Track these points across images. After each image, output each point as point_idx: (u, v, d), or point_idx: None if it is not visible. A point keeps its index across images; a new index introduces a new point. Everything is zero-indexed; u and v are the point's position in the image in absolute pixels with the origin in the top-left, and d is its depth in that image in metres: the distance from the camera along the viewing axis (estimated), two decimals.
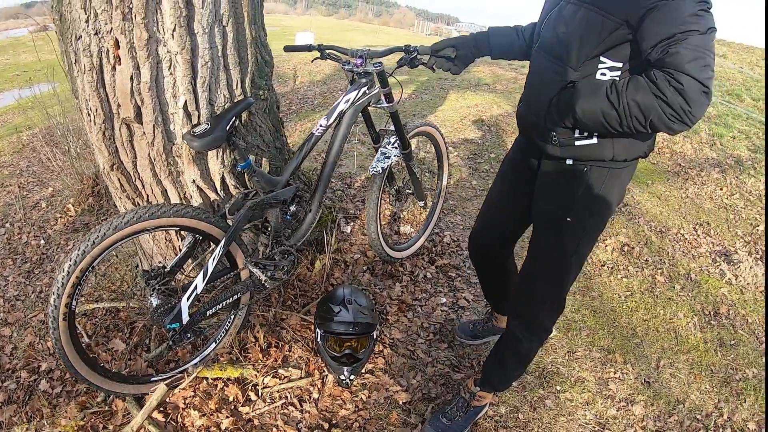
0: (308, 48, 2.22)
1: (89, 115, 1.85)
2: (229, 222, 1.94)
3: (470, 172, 4.56)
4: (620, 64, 1.40)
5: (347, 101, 2.10)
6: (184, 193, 2.07)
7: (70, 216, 3.57)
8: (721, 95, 8.10)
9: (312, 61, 2.31)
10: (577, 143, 1.53)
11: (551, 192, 1.69)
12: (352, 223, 3.18)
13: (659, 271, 3.45)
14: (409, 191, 2.84)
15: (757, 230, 4.44)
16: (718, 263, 3.70)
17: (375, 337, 2.17)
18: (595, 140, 1.51)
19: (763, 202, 5.00)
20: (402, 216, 3.35)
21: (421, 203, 2.96)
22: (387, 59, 2.19)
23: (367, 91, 2.17)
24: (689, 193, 4.96)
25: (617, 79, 1.40)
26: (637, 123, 1.32)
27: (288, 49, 2.30)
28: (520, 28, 1.89)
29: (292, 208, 2.15)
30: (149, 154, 1.91)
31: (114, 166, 1.97)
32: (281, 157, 2.37)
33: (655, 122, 1.30)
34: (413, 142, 2.87)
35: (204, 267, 1.86)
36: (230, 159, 1.99)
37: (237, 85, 1.89)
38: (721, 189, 5.13)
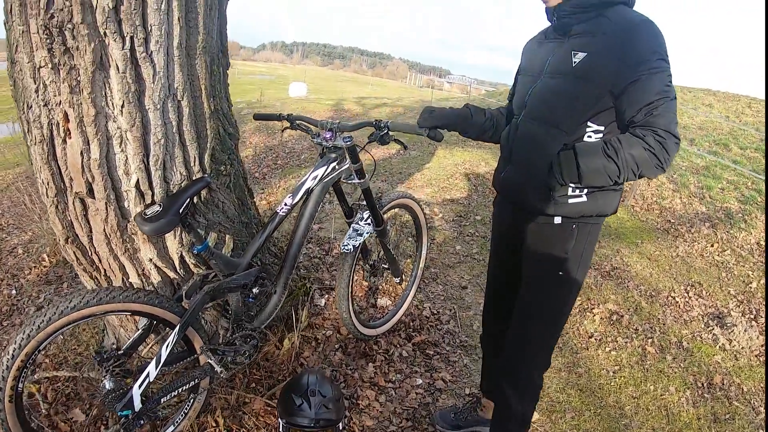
0: (278, 117, 2.14)
1: (42, 186, 1.75)
2: (186, 305, 1.80)
3: (455, 235, 4.45)
4: (602, 128, 1.59)
5: (315, 178, 1.99)
6: (143, 270, 1.94)
7: (45, 266, 3.42)
8: (709, 145, 8.17)
9: (282, 131, 2.22)
10: (570, 201, 1.66)
11: (542, 251, 1.78)
12: (327, 296, 3.03)
13: (650, 340, 3.32)
14: (385, 266, 2.71)
15: (750, 287, 4.36)
16: (711, 327, 3.59)
17: (341, 428, 2.00)
18: (585, 198, 1.66)
19: (755, 256, 4.96)
20: (379, 287, 3.21)
21: (397, 280, 2.82)
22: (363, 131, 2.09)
23: (337, 167, 2.07)
24: (680, 252, 4.91)
25: (601, 139, 1.60)
26: (631, 173, 1.50)
27: (257, 117, 2.21)
28: (487, 109, 2.02)
29: (255, 290, 2.01)
30: (104, 230, 1.78)
31: (69, 240, 1.85)
32: (248, 232, 2.24)
33: (645, 171, 1.50)
34: (393, 212, 2.76)
35: (157, 353, 1.72)
36: (189, 238, 1.87)
37: (195, 161, 1.78)
38: (712, 245, 5.08)
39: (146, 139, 1.64)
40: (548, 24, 1.75)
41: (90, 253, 1.90)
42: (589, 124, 1.60)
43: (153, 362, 1.72)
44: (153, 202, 1.75)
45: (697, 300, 3.99)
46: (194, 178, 1.82)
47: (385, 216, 2.48)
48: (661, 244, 5.02)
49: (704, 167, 7.15)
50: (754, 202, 6.10)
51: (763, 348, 3.42)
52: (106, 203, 1.70)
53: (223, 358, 1.93)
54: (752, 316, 3.83)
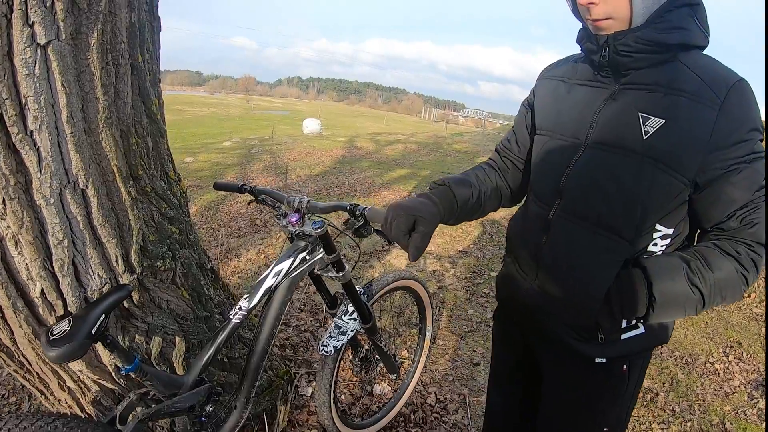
0: (239, 189, 1.74)
1: None
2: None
3: (467, 296, 4.02)
4: (671, 231, 1.16)
5: (278, 273, 1.56)
6: (78, 378, 1.58)
7: None
8: None
9: (248, 204, 1.82)
10: (623, 337, 1.22)
11: (577, 400, 1.35)
12: (314, 382, 2.58)
13: (689, 424, 2.84)
14: (378, 359, 2.26)
15: None
16: (755, 400, 3.11)
17: None
18: (642, 329, 1.23)
19: None
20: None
21: (393, 375, 2.35)
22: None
23: (307, 258, 1.63)
24: (715, 306, 4.41)
25: (673, 251, 1.18)
26: (715, 304, 1.11)
27: (218, 187, 1.81)
28: (473, 175, 1.48)
29: (209, 408, 1.58)
30: (25, 333, 1.39)
31: None
32: (208, 326, 1.84)
33: (729, 298, 1.11)
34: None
35: None
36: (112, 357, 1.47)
37: (118, 260, 1.38)
38: (749, 296, 4.54)
39: (46, 241, 1.24)
40: (578, 51, 1.27)
41: (17, 357, 1.53)
42: (657, 227, 1.15)
43: None
44: (66, 314, 1.36)
45: (738, 365, 3.51)
46: (120, 280, 1.41)
47: (380, 300, 2.05)
48: None
49: None
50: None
51: None
52: (14, 311, 1.32)
53: None
54: None
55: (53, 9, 1.09)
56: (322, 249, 1.63)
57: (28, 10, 1.06)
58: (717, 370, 3.42)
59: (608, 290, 1.15)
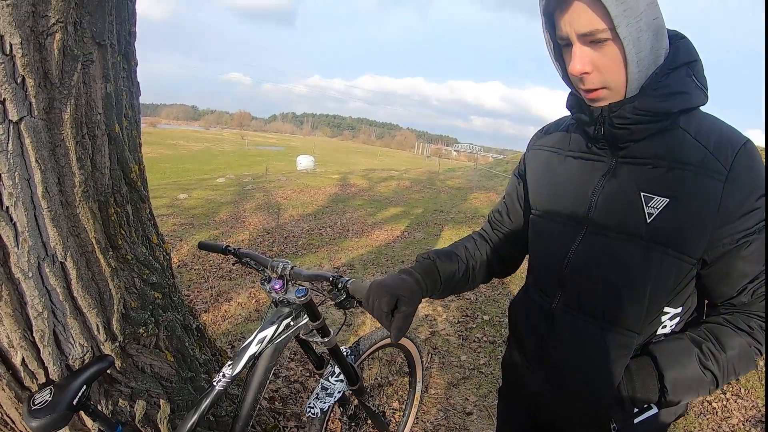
0: (224, 251, 1.71)
1: None
2: None
3: (459, 342, 3.96)
4: (680, 309, 1.09)
5: (262, 340, 1.52)
6: None
7: None
8: None
9: (233, 264, 1.79)
10: (637, 420, 1.13)
11: None
12: None
13: None
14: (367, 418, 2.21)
15: None
16: None
17: None
18: (655, 409, 1.13)
19: None
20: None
21: None
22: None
23: (292, 324, 1.59)
24: None
25: (675, 330, 1.12)
26: (729, 381, 1.10)
27: (202, 246, 1.78)
28: (461, 247, 1.41)
29: None
30: (9, 396, 1.36)
31: None
32: (194, 387, 1.79)
33: (741, 374, 1.04)
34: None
35: None
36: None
37: (99, 329, 1.35)
38: None
39: (25, 313, 1.21)
40: (568, 114, 1.16)
41: (1, 416, 1.47)
42: (665, 309, 1.08)
43: None
44: (48, 382, 1.32)
45: (735, 402, 3.39)
46: (102, 348, 1.38)
47: (369, 357, 2.00)
48: None
49: None
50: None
51: None
52: None
53: None
54: None
55: (24, 85, 1.09)
56: (306, 316, 1.61)
57: None
58: (714, 408, 3.33)
59: (619, 383, 1.09)
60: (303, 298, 1.50)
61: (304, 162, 24.37)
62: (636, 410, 1.12)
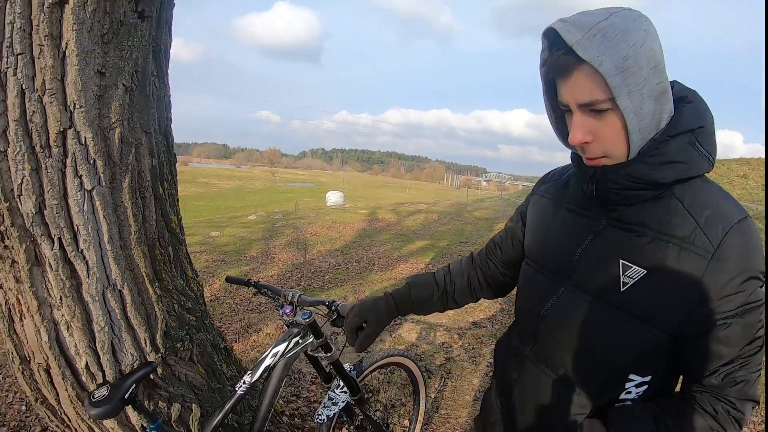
0: (246, 283, 2.07)
1: (7, 355, 1.77)
2: None
3: (473, 367, 4.19)
4: (648, 378, 1.06)
5: (275, 354, 1.88)
6: None
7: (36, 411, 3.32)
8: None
9: (254, 295, 2.15)
10: None
11: None
12: None
13: None
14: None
15: None
16: None
17: None
18: None
19: None
20: None
21: None
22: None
23: (300, 341, 1.95)
24: None
25: (640, 398, 1.09)
26: None
27: (229, 280, 2.15)
28: (443, 273, 1.53)
29: None
30: (68, 396, 1.74)
31: (38, 401, 1.83)
32: (221, 397, 2.14)
33: None
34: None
35: None
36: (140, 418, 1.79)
37: (146, 342, 1.73)
38: None
39: (91, 328, 1.61)
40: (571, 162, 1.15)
41: (59, 414, 1.86)
42: (631, 377, 1.06)
43: None
44: (105, 382, 1.69)
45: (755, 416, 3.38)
46: (147, 358, 1.75)
47: (371, 375, 2.32)
48: None
49: None
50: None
51: None
52: (62, 378, 1.67)
53: None
54: None
55: (95, 164, 1.50)
56: (311, 334, 1.95)
57: (77, 166, 1.47)
58: None
59: None
60: (308, 320, 1.86)
61: (334, 198, 24.60)
62: None
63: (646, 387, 1.07)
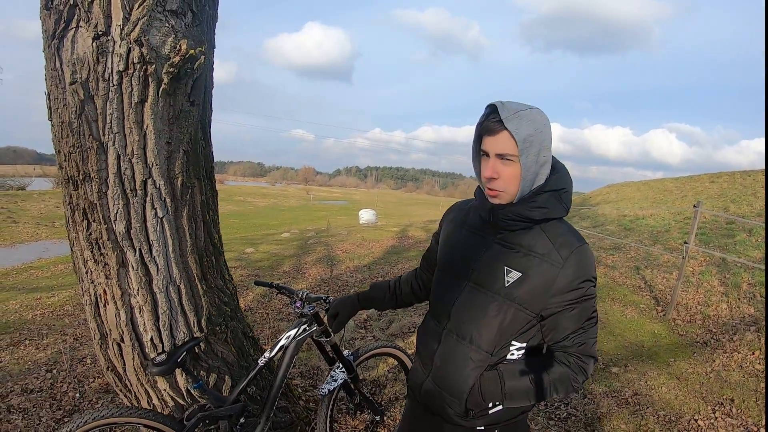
0: (270, 285, 2.73)
1: (91, 331, 2.45)
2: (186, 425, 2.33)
3: None
4: (524, 344, 1.56)
5: (288, 337, 2.53)
6: (161, 396, 2.51)
7: (106, 378, 3.88)
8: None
9: (277, 294, 2.82)
10: (491, 412, 1.62)
11: None
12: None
13: None
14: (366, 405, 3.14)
15: None
16: None
17: None
18: (500, 406, 1.61)
19: None
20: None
21: (378, 417, 3.24)
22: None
23: (307, 328, 2.59)
24: (715, 366, 4.58)
25: (521, 358, 1.58)
26: (552, 395, 1.51)
27: (257, 283, 2.82)
28: (395, 281, 2.11)
29: (242, 419, 2.51)
30: (133, 365, 2.40)
31: (108, 368, 2.50)
32: (247, 374, 2.78)
33: (563, 393, 1.52)
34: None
35: None
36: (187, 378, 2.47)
37: (194, 324, 2.41)
38: (753, 353, 4.68)
39: (156, 311, 2.30)
40: (477, 195, 1.64)
41: (124, 380, 2.51)
42: (513, 342, 1.55)
43: None
44: (163, 351, 2.36)
45: (724, 420, 3.73)
46: (194, 335, 2.43)
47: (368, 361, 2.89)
48: (697, 360, 4.74)
49: (761, 259, 6.82)
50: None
51: None
52: (131, 348, 2.34)
53: None
54: None
55: (165, 201, 2.24)
56: (315, 323, 2.61)
57: (153, 202, 2.20)
58: (700, 426, 3.65)
59: (473, 385, 1.55)
60: (312, 311, 2.55)
61: (366, 216, 24.01)
62: (490, 405, 1.58)
63: (523, 351, 1.56)
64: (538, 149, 1.41)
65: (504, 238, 1.54)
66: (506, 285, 1.50)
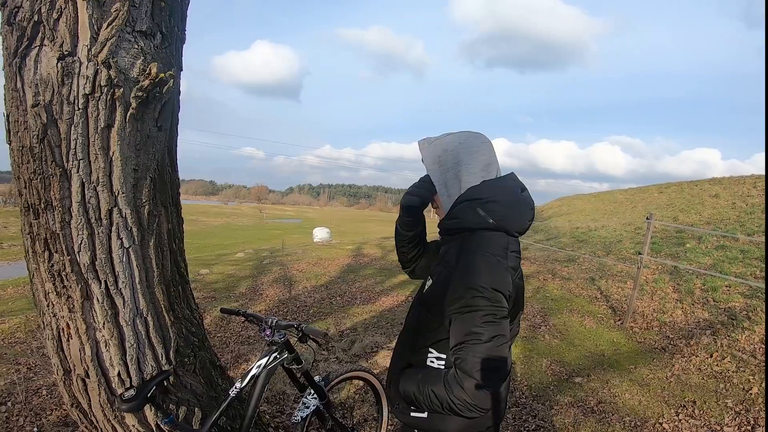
0: (236, 313, 2.66)
1: (53, 367, 2.33)
2: None
3: None
4: (444, 355, 1.58)
5: (259, 366, 2.47)
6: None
7: (64, 410, 3.73)
8: (717, 240, 8.29)
9: (242, 327, 2.76)
10: (412, 414, 1.68)
11: None
12: None
13: None
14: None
15: (750, 394, 4.11)
16: None
17: None
18: (425, 415, 1.64)
19: (757, 357, 4.72)
20: None
21: None
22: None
23: (278, 356, 2.54)
24: (675, 370, 4.75)
25: (442, 367, 1.60)
26: (439, 408, 1.46)
27: (223, 311, 2.75)
28: (424, 235, 1.94)
29: None
30: (99, 402, 2.29)
31: (73, 405, 2.38)
32: (217, 404, 2.70)
33: (449, 410, 1.44)
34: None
35: None
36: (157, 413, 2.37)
37: (162, 357, 2.32)
38: (711, 356, 4.89)
39: (123, 345, 2.19)
40: None
41: (90, 417, 2.40)
42: (430, 350, 1.61)
43: None
44: (131, 386, 2.26)
45: (687, 422, 3.86)
46: (163, 369, 2.34)
47: (339, 385, 2.88)
48: (656, 365, 4.90)
49: (711, 265, 7.10)
50: (759, 295, 5.83)
51: None
52: (98, 384, 2.23)
53: None
54: (749, 428, 3.66)
55: (131, 230, 2.14)
56: (286, 351, 2.55)
57: (119, 231, 2.10)
58: (665, 429, 3.75)
59: (393, 375, 1.73)
60: (282, 339, 2.48)
61: (320, 234, 24.19)
62: (412, 407, 1.66)
63: (444, 362, 1.59)
64: (450, 165, 1.56)
65: (440, 254, 1.65)
66: (424, 290, 1.67)
